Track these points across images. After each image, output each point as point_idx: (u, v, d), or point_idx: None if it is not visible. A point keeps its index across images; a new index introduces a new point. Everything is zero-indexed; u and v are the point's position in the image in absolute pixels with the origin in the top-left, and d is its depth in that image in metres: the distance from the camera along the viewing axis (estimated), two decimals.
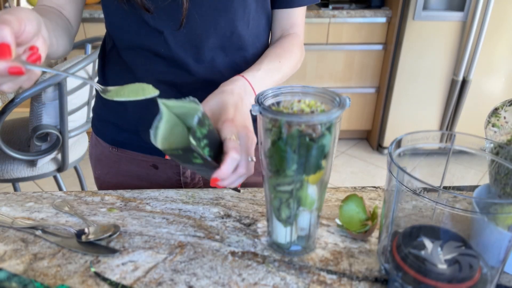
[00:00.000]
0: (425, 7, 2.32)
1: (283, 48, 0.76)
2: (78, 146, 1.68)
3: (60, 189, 1.80)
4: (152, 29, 0.70)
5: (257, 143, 0.57)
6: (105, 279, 0.52)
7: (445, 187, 0.56)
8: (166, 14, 0.68)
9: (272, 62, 0.72)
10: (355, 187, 0.75)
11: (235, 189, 0.73)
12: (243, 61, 0.76)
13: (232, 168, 0.53)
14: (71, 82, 1.43)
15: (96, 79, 1.50)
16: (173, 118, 0.50)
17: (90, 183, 2.19)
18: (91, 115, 1.65)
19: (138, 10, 0.68)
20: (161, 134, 0.49)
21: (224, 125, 0.55)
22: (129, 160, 0.83)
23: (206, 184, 0.86)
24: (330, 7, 2.54)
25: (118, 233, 0.60)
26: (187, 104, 0.50)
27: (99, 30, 2.48)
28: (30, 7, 2.74)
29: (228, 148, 0.52)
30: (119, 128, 0.82)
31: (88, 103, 1.59)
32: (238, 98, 0.60)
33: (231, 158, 0.52)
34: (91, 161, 0.90)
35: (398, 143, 0.49)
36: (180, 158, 0.51)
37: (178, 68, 0.73)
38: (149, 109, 0.77)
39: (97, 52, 1.01)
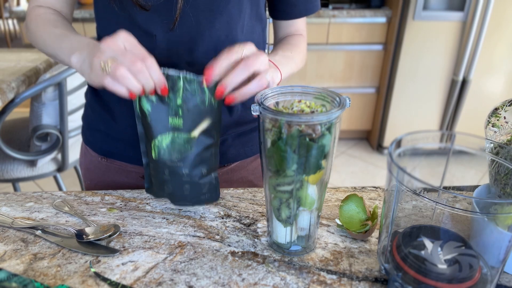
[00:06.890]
0: (425, 7, 2.32)
1: (291, 43, 0.81)
2: (78, 146, 1.68)
3: (60, 189, 1.80)
4: (143, 31, 0.67)
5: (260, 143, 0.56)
6: (105, 279, 0.52)
7: (445, 187, 0.56)
8: (158, 14, 0.65)
9: (285, 52, 0.77)
10: (355, 187, 0.75)
11: None
12: None
13: (221, 64, 0.56)
14: (71, 82, 1.43)
15: None
16: None
17: None
18: None
19: (129, 10, 0.65)
20: None
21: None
22: (117, 171, 0.81)
23: None
24: (330, 7, 2.53)
25: (118, 233, 0.60)
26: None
27: None
28: None
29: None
30: (107, 137, 0.79)
31: None
32: None
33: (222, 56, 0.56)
34: (81, 170, 0.88)
35: (398, 143, 0.49)
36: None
37: None
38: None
39: None
